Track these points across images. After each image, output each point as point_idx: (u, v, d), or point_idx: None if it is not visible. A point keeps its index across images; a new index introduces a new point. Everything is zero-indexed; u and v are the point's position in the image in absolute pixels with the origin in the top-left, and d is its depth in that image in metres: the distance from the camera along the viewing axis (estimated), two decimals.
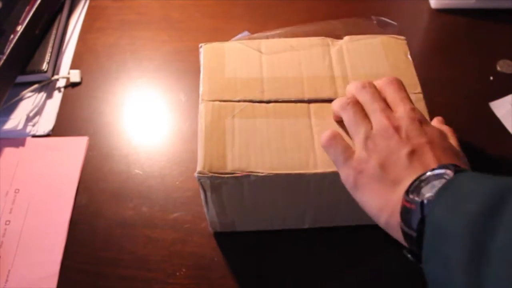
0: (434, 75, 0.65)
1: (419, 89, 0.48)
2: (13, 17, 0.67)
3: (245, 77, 0.49)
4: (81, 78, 0.67)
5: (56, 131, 0.62)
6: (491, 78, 0.64)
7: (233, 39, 0.60)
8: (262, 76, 0.49)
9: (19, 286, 0.50)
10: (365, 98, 0.43)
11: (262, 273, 0.50)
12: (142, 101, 0.65)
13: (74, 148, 0.60)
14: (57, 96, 0.65)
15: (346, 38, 0.52)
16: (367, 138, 0.40)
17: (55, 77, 0.67)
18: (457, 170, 0.34)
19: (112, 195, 0.56)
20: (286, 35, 0.58)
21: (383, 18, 0.58)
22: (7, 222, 0.54)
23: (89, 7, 0.75)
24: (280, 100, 0.47)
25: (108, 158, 0.59)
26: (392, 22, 0.58)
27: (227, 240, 0.52)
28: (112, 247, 0.53)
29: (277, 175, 0.42)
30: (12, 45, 0.63)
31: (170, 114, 0.63)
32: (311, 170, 0.43)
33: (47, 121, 0.63)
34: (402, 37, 0.52)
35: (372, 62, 0.50)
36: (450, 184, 0.33)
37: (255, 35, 0.58)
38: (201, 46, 0.52)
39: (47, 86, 0.66)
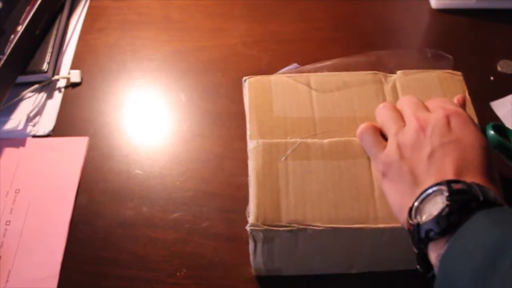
0: None
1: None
2: (14, 17, 0.67)
3: (295, 116, 0.46)
4: (82, 78, 0.67)
5: (57, 131, 0.62)
6: (492, 78, 0.64)
7: (280, 71, 0.56)
8: (313, 115, 0.46)
9: (20, 287, 0.50)
10: (404, 104, 0.43)
11: None
12: (142, 101, 0.65)
13: (75, 148, 0.60)
14: (58, 96, 0.65)
15: (399, 73, 0.49)
16: (396, 134, 0.40)
17: (56, 77, 0.67)
18: (453, 190, 0.34)
19: (113, 195, 0.56)
20: (335, 67, 0.54)
21: (438, 51, 0.56)
22: (8, 222, 0.54)
23: (90, 7, 0.75)
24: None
25: (109, 158, 0.59)
26: (447, 55, 0.54)
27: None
28: (112, 247, 0.53)
29: (335, 229, 0.40)
30: (12, 45, 0.63)
31: (170, 114, 0.63)
32: (371, 225, 0.40)
33: (47, 121, 0.63)
34: (459, 73, 0.49)
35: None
36: (459, 236, 0.33)
37: (303, 67, 0.53)
38: (245, 80, 0.49)
39: (48, 86, 0.66)
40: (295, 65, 0.60)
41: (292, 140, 0.44)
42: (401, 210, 0.38)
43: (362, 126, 0.44)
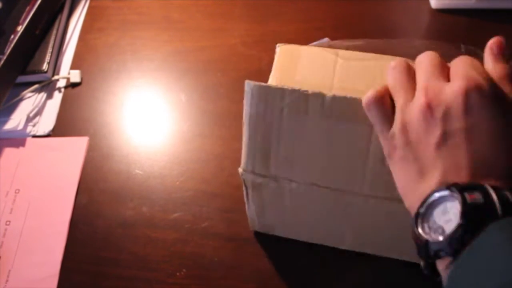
0: None
1: None
2: (14, 17, 0.67)
3: (314, 83, 0.44)
4: (81, 78, 0.67)
5: (56, 131, 0.62)
6: None
7: (312, 44, 0.56)
8: (332, 84, 0.43)
9: (20, 286, 0.50)
10: (420, 64, 0.36)
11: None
12: (142, 101, 0.65)
13: (75, 148, 0.60)
14: (57, 96, 0.65)
15: None
16: (402, 108, 0.34)
17: (55, 77, 0.67)
18: (468, 204, 0.29)
19: (113, 195, 0.56)
20: (365, 48, 0.50)
21: (472, 47, 0.54)
22: (8, 222, 0.55)
23: (90, 7, 0.75)
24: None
25: (108, 158, 0.59)
26: (482, 53, 0.54)
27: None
28: (112, 247, 0.53)
29: (318, 188, 0.41)
30: (12, 45, 0.63)
31: (170, 114, 0.63)
32: (355, 190, 0.40)
33: (47, 121, 0.63)
34: None
35: None
36: (470, 254, 0.29)
37: (334, 42, 0.54)
38: (278, 46, 0.49)
39: (47, 86, 0.66)
40: (326, 39, 0.59)
41: (290, 88, 0.39)
42: (405, 195, 0.35)
43: (369, 96, 0.36)
